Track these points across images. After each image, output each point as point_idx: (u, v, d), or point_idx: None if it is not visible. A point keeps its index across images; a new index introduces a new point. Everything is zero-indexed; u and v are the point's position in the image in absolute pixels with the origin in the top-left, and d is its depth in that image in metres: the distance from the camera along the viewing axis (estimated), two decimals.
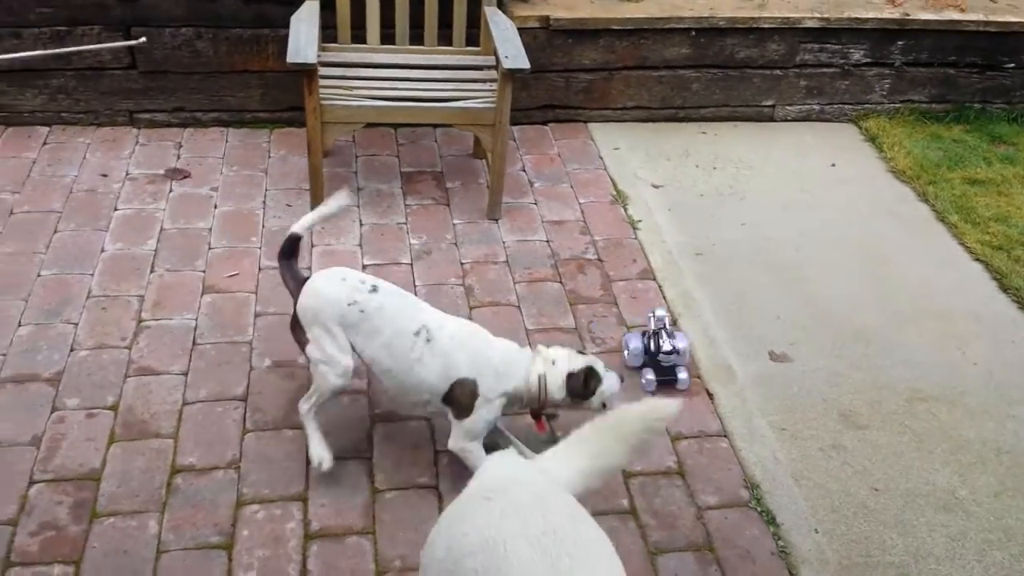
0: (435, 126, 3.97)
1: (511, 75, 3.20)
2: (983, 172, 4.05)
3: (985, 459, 2.65)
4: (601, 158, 3.94)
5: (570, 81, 4.10)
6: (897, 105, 4.45)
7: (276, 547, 2.21)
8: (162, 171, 3.61)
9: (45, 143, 3.70)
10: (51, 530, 2.19)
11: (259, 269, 3.13)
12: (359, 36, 3.61)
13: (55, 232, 3.20)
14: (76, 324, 2.80)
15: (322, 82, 3.26)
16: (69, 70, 3.75)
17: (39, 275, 2.99)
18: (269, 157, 3.77)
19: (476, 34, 3.70)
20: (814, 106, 4.38)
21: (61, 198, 3.38)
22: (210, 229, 3.30)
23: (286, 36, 3.40)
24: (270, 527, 2.25)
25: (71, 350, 2.71)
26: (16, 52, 3.62)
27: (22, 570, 2.10)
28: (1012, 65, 4.42)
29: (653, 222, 3.55)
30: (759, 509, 2.42)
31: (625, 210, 3.61)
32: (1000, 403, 2.86)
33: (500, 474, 1.66)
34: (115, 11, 3.64)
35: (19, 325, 2.78)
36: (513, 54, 3.24)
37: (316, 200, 3.36)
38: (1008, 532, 2.43)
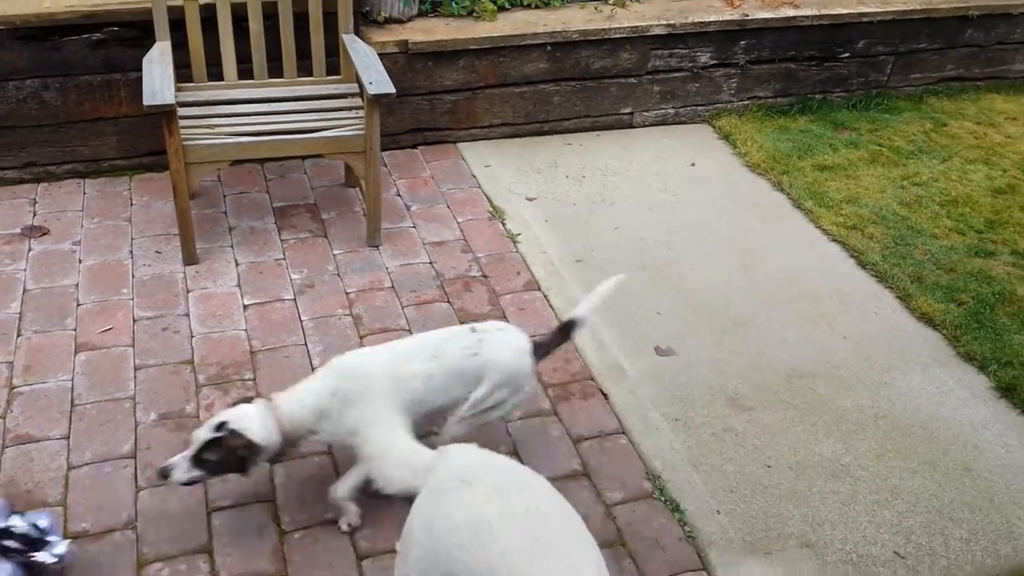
0: (303, 158, 3.93)
1: (377, 100, 3.21)
2: (830, 158, 4.32)
3: (864, 425, 2.82)
4: (474, 176, 3.99)
5: (435, 103, 4.13)
6: (746, 102, 4.69)
7: None
8: (18, 229, 3.44)
9: None
10: None
11: (134, 320, 3.02)
12: (215, 73, 3.54)
13: None
14: None
15: (182, 123, 3.18)
16: None
17: None
18: (132, 205, 3.64)
19: (336, 62, 3.69)
20: (669, 110, 4.57)
21: None
22: (77, 285, 3.17)
23: (138, 79, 3.32)
24: None
25: None
26: None
27: None
28: (846, 55, 4.73)
29: (532, 234, 3.62)
30: (663, 499, 2.50)
31: (503, 225, 3.66)
32: (871, 372, 3.05)
33: (471, 460, 1.70)
34: None
35: None
36: (377, 79, 3.25)
37: (187, 241, 3.27)
38: (894, 491, 2.59)
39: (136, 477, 2.45)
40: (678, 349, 3.09)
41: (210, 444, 2.16)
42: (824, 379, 3.00)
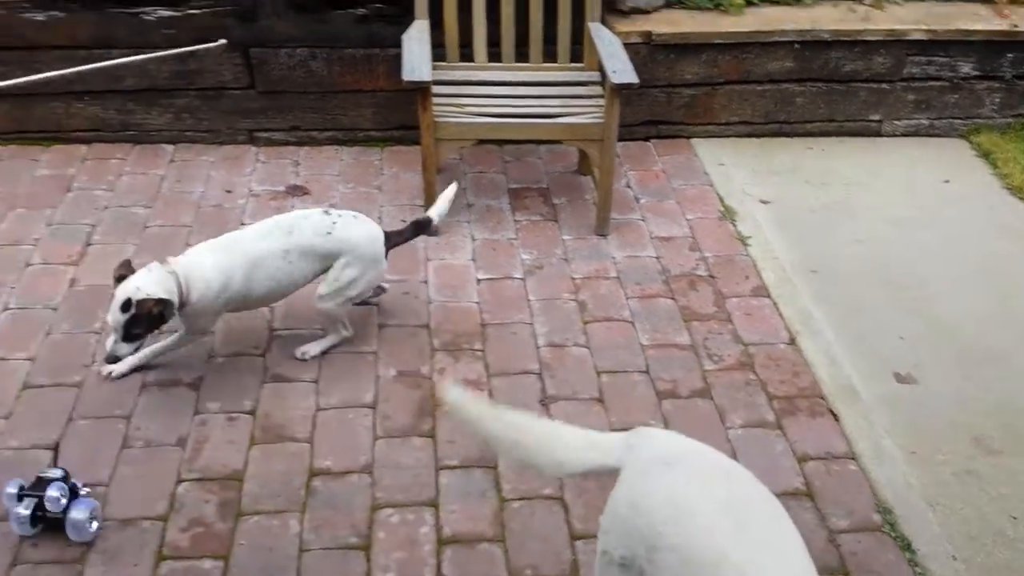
0: (540, 142, 4.04)
1: (619, 90, 3.25)
2: None
3: None
4: (706, 173, 3.96)
5: (672, 96, 4.13)
6: (1009, 120, 4.36)
7: (412, 550, 2.28)
8: (282, 187, 3.75)
9: (172, 160, 3.88)
10: (200, 526, 2.30)
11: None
12: (466, 54, 3.71)
13: (186, 245, 3.34)
14: (213, 332, 2.92)
15: (435, 100, 3.35)
16: (192, 90, 3.92)
17: None
18: (382, 174, 3.88)
19: (580, 50, 3.77)
20: (923, 121, 4.33)
21: (190, 213, 3.54)
22: None
23: (396, 56, 3.52)
24: (404, 531, 2.33)
25: (209, 357, 2.84)
26: (144, 74, 3.82)
27: (174, 563, 2.21)
28: None
29: (764, 238, 3.55)
30: (893, 534, 2.39)
31: (734, 226, 3.62)
32: None
33: (672, 444, 1.75)
34: (235, 32, 3.80)
35: (159, 332, 2.92)
36: (620, 68, 3.29)
37: None
38: None
39: (375, 426, 2.63)
40: (920, 378, 2.93)
41: (132, 320, 2.45)
42: None
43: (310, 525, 2.32)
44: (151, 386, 2.71)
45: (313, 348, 2.86)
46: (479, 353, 2.92)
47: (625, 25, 3.98)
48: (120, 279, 2.50)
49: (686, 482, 1.60)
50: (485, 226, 3.57)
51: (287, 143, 4.05)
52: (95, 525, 2.25)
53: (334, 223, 2.73)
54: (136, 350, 2.59)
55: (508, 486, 2.47)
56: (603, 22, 3.74)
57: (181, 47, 3.77)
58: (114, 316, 2.46)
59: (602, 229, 3.55)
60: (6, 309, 2.99)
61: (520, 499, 2.44)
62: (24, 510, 2.20)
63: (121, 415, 2.61)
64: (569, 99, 3.58)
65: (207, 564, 2.21)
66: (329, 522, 2.34)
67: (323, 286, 2.75)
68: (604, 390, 2.81)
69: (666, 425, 2.68)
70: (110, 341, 2.52)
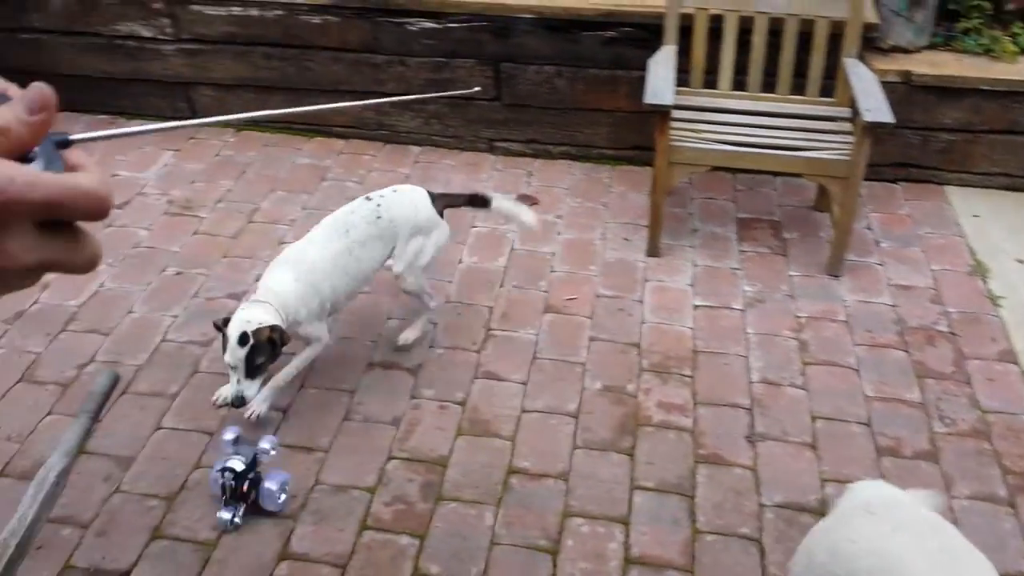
0: (776, 174, 3.93)
1: (871, 128, 3.10)
2: None
3: None
4: (958, 224, 3.69)
5: (928, 140, 3.89)
6: None
7: (598, 563, 2.28)
8: (514, 196, 3.86)
9: (416, 161, 4.12)
10: (402, 503, 2.42)
11: (595, 296, 3.26)
12: (710, 81, 3.67)
13: None
14: (435, 325, 3.07)
15: (673, 124, 3.35)
16: (444, 99, 4.15)
17: None
18: (610, 192, 3.92)
19: (831, 85, 3.63)
20: None
21: None
22: (553, 253, 3.49)
23: (639, 78, 3.55)
24: (593, 543, 2.33)
25: (430, 346, 2.98)
26: (402, 79, 4.09)
27: (375, 534, 2.33)
28: None
29: (1018, 300, 3.25)
30: None
31: (985, 283, 3.35)
32: None
33: (877, 494, 1.68)
34: (488, 47, 3.98)
35: (388, 318, 3.11)
36: (875, 107, 3.14)
37: (654, 234, 3.46)
38: None
39: (575, 435, 2.65)
40: None
41: (253, 350, 2.39)
42: None
43: (503, 520, 2.38)
44: (376, 366, 2.89)
45: (411, 334, 2.95)
46: (688, 379, 2.88)
47: (883, 63, 3.80)
48: (223, 324, 2.47)
49: (892, 531, 1.51)
50: (708, 253, 3.52)
51: (523, 154, 4.19)
52: (284, 497, 2.36)
53: (379, 206, 2.77)
54: (260, 387, 2.50)
55: (703, 518, 2.42)
56: (860, 59, 3.60)
57: (438, 58, 4.03)
58: (234, 354, 2.39)
59: (835, 269, 3.40)
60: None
61: (714, 533, 2.38)
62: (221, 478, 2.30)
63: (346, 389, 2.79)
64: (814, 133, 3.46)
65: (404, 540, 2.32)
66: (521, 520, 2.38)
67: (397, 267, 2.81)
68: (818, 436, 2.68)
69: None
70: (232, 384, 2.44)
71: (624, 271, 3.40)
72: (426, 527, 2.35)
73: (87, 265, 0.50)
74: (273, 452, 2.36)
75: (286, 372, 2.67)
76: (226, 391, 2.62)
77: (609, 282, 3.34)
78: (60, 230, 0.47)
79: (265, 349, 2.42)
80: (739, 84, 3.67)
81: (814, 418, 2.75)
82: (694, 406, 2.78)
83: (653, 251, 3.50)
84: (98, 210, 0.47)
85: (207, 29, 4.12)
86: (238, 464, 2.31)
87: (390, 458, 2.56)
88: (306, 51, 4.10)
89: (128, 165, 3.98)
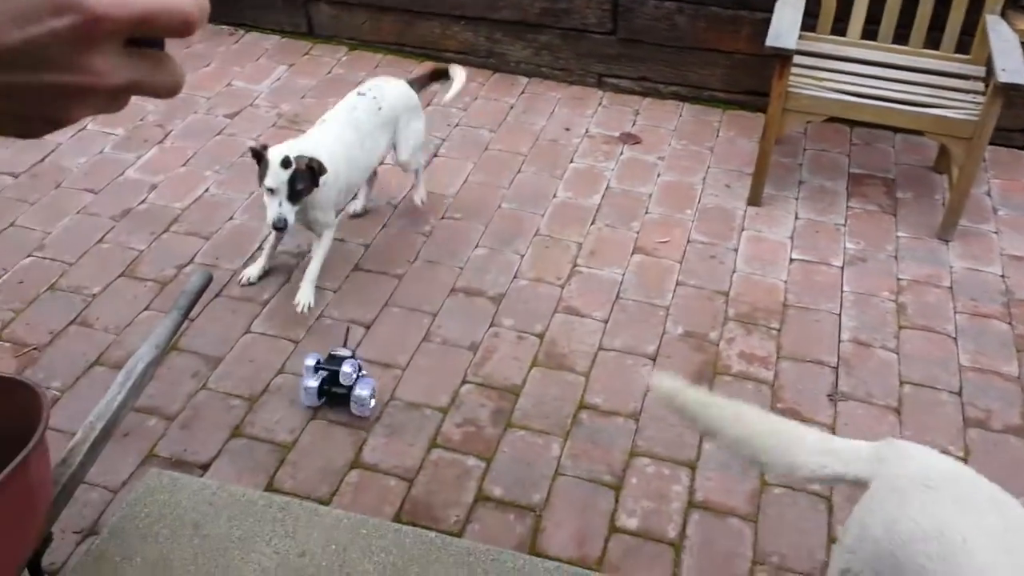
0: (897, 130, 3.74)
1: (1004, 89, 2.90)
2: None
3: None
4: None
5: None
6: None
7: (660, 503, 2.28)
8: (617, 134, 3.81)
9: (523, 92, 4.09)
10: (472, 426, 2.47)
11: (688, 241, 3.20)
12: (840, 28, 3.50)
13: (518, 172, 3.54)
14: (522, 256, 3.08)
15: (793, 70, 3.21)
16: (557, 28, 4.08)
17: (499, 207, 3.33)
18: (717, 136, 3.81)
19: (967, 41, 3.40)
20: None
21: (528, 143, 3.72)
22: (650, 195, 3.44)
23: (763, 20, 3.40)
24: (657, 484, 2.33)
25: (514, 277, 3.00)
26: (517, 6, 4.04)
27: (443, 452, 2.39)
28: None
29: None
30: None
31: None
32: None
33: (933, 464, 1.56)
34: None
35: (476, 246, 3.13)
36: (1012, 67, 2.94)
37: (758, 183, 3.36)
38: None
39: (650, 378, 2.64)
40: None
41: (293, 178, 2.55)
42: None
43: (569, 452, 2.40)
44: (459, 292, 2.93)
45: (423, 192, 3.24)
46: (774, 331, 2.82)
47: None
48: (260, 150, 2.61)
49: (956, 512, 1.42)
50: (813, 206, 3.39)
51: (632, 91, 4.10)
52: (373, 402, 2.48)
53: (375, 98, 2.97)
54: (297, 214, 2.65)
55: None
56: (1003, 16, 3.35)
57: None
58: (276, 177, 2.54)
59: (946, 233, 3.24)
60: (354, 198, 3.35)
61: (783, 487, 2.34)
62: (314, 383, 2.44)
63: (428, 311, 2.84)
64: (943, 90, 3.26)
65: (471, 462, 2.37)
66: (587, 454, 2.40)
67: (402, 155, 3.08)
68: (904, 401, 2.59)
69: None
70: (274, 207, 2.57)
71: (721, 218, 3.32)
72: (493, 451, 2.39)
73: (172, 89, 0.50)
74: (364, 372, 2.52)
75: (314, 266, 2.82)
76: (252, 269, 2.92)
77: (704, 228, 3.26)
78: (146, 52, 0.47)
79: (305, 176, 2.58)
80: (869, 34, 3.48)
81: (902, 383, 2.65)
82: (777, 359, 2.72)
83: (755, 200, 3.40)
84: (183, 27, 0.47)
85: None
86: (345, 380, 2.45)
87: (464, 382, 2.60)
88: None
89: (243, 76, 4.09)
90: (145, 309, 2.80)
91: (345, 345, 2.60)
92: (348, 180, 2.88)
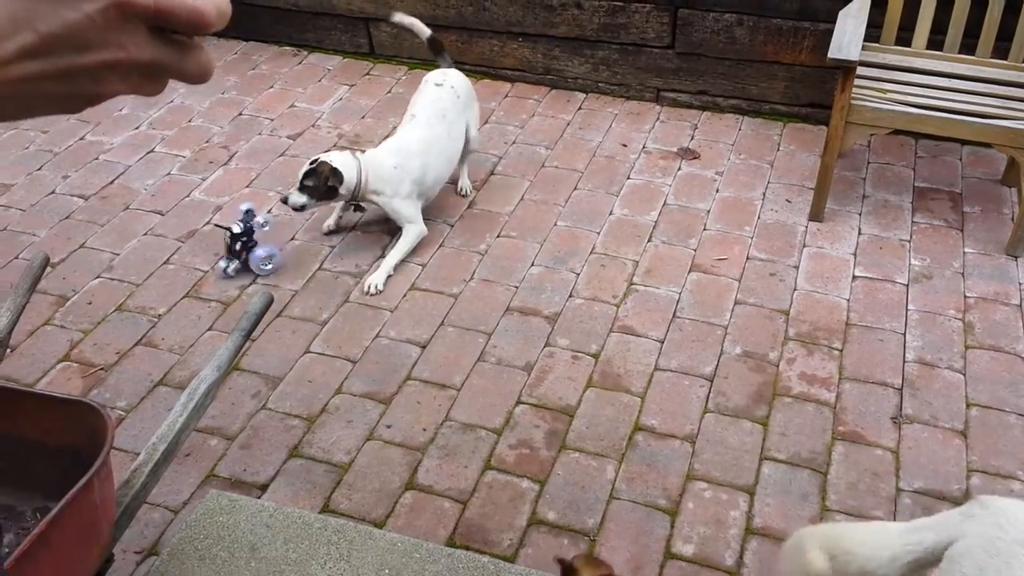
0: (964, 142, 3.64)
1: None
2: None
3: None
4: None
5: None
6: None
7: (717, 530, 2.25)
8: (675, 149, 3.78)
9: (580, 108, 4.08)
10: (526, 448, 2.47)
11: (747, 258, 3.15)
12: (904, 38, 3.42)
13: (574, 189, 3.54)
14: (577, 274, 3.08)
15: (856, 82, 3.15)
16: (615, 43, 4.07)
17: (555, 225, 3.33)
18: (778, 150, 3.76)
19: None
20: None
21: (584, 160, 3.71)
22: (708, 211, 3.40)
23: (825, 31, 3.35)
24: (714, 509, 2.30)
25: (569, 296, 2.99)
26: (576, 22, 4.04)
27: (497, 474, 2.40)
28: None
29: None
30: None
31: None
32: None
33: None
34: None
35: (532, 264, 3.14)
36: None
37: (820, 198, 3.29)
38: None
39: (708, 399, 2.61)
40: None
41: (308, 173, 2.98)
42: None
43: (624, 475, 2.38)
44: (515, 311, 2.93)
45: (468, 181, 3.49)
46: (836, 352, 2.76)
47: None
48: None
49: None
50: (877, 222, 3.32)
51: (691, 106, 4.07)
52: (270, 265, 3.06)
53: (453, 87, 3.28)
54: (307, 204, 3.02)
55: (835, 496, 2.33)
56: None
57: (615, 1, 3.95)
58: (300, 171, 3.03)
59: (1015, 249, 3.13)
60: None
61: (845, 513, 2.29)
62: (224, 263, 3.06)
63: (484, 331, 2.85)
64: (1011, 101, 3.16)
65: (524, 484, 2.37)
66: (642, 477, 2.38)
67: (472, 135, 3.39)
68: (971, 424, 2.51)
69: None
70: (293, 190, 3.03)
71: (782, 234, 3.26)
72: (547, 473, 2.39)
73: (199, 75, 0.56)
74: (266, 227, 3.07)
75: (393, 255, 3.10)
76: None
77: (764, 244, 3.22)
78: (171, 37, 0.53)
79: (318, 178, 2.98)
80: (935, 43, 3.40)
81: (969, 404, 2.57)
82: (839, 380, 2.66)
83: (816, 215, 3.34)
84: (195, 24, 0.53)
85: None
86: (236, 227, 3.01)
87: (519, 402, 2.60)
88: None
89: (305, 97, 4.17)
90: (208, 329, 2.87)
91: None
92: (437, 172, 3.19)
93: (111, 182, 3.59)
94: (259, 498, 2.26)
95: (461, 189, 3.46)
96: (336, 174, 2.99)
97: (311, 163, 3.02)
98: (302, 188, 3.00)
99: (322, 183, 2.98)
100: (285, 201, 3.05)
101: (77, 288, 3.05)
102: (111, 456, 1.66)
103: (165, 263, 3.16)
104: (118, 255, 3.20)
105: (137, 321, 2.91)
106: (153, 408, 2.57)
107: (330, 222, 3.31)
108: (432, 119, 3.19)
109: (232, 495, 2.07)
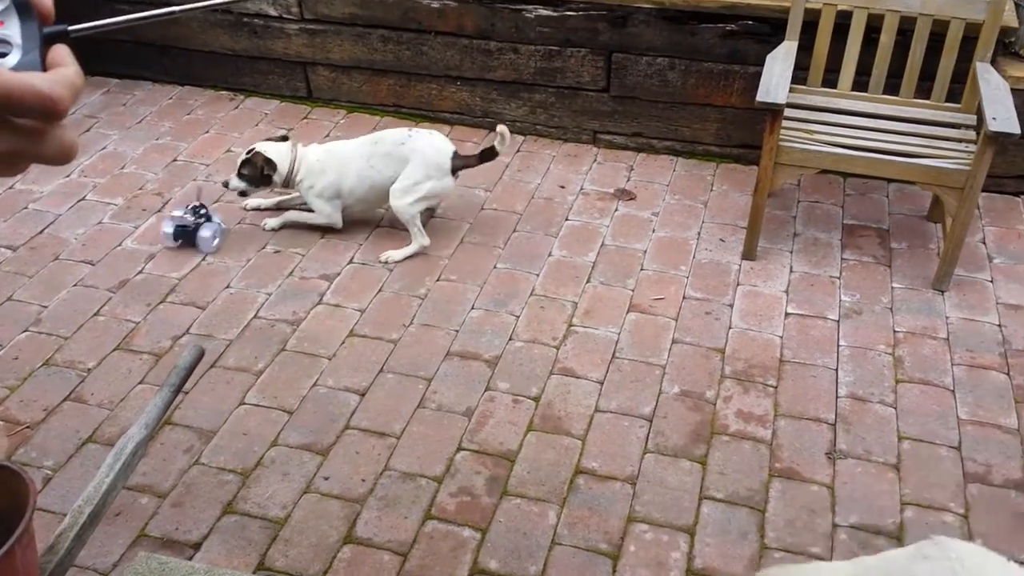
0: (890, 181, 3.75)
1: (995, 138, 2.92)
2: None
3: None
4: None
5: None
6: None
7: (658, 572, 2.25)
8: (612, 190, 3.83)
9: (518, 150, 4.12)
10: (467, 496, 2.45)
11: (683, 298, 3.19)
12: (831, 80, 3.52)
13: (513, 231, 3.56)
14: (517, 317, 3.09)
15: (784, 123, 3.23)
16: (552, 87, 4.12)
17: (495, 267, 3.34)
18: (711, 190, 3.83)
19: (958, 90, 3.42)
20: None
21: (523, 202, 3.74)
22: (645, 251, 3.44)
23: (755, 74, 3.43)
24: (655, 551, 2.30)
25: (510, 339, 2.99)
26: (512, 66, 4.09)
27: (438, 524, 2.37)
28: None
29: None
30: None
31: None
32: None
33: (993, 568, 1.44)
34: (603, 36, 3.93)
35: (472, 308, 3.14)
36: (1002, 116, 2.95)
37: (752, 236, 3.36)
38: None
39: (647, 439, 2.62)
40: None
41: (244, 163, 3.30)
42: None
43: (566, 520, 2.38)
44: (455, 356, 2.92)
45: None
46: (771, 389, 2.80)
47: (1017, 70, 3.55)
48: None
49: None
50: (808, 259, 3.39)
51: (626, 147, 4.13)
52: (216, 242, 3.37)
53: (410, 135, 3.36)
54: (246, 191, 3.41)
55: (773, 534, 2.35)
56: (993, 63, 3.38)
57: (552, 46, 4.00)
58: (238, 159, 3.35)
59: (941, 284, 3.23)
60: (350, 263, 3.37)
61: (783, 551, 2.31)
62: (169, 228, 3.35)
63: (424, 376, 2.84)
64: (934, 140, 3.28)
65: (466, 532, 2.35)
66: (584, 522, 2.37)
67: (396, 184, 3.33)
68: (903, 457, 2.57)
69: (966, 513, 2.39)
70: (232, 175, 3.37)
71: (716, 273, 3.32)
72: (488, 521, 2.37)
73: (58, 157, 0.54)
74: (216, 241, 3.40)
75: (291, 214, 3.54)
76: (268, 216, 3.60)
77: (699, 284, 3.26)
78: (21, 124, 0.51)
79: (252, 168, 3.30)
80: (860, 85, 3.51)
81: (901, 438, 2.63)
82: (775, 417, 2.70)
83: (749, 254, 3.40)
84: (46, 112, 0.50)
85: (330, 10, 4.22)
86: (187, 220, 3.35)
87: (459, 449, 2.59)
88: (422, 35, 4.14)
89: (242, 142, 4.13)
90: (140, 383, 2.81)
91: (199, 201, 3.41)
92: (351, 185, 3.38)
93: (40, 232, 3.51)
94: (191, 558, 2.21)
95: (386, 258, 3.38)
96: (269, 163, 3.29)
97: (247, 152, 3.32)
98: (240, 176, 3.32)
99: (257, 172, 3.29)
100: (226, 185, 3.37)
101: (3, 342, 2.96)
102: (36, 519, 1.60)
103: (95, 315, 3.09)
104: (46, 307, 3.12)
105: (65, 376, 2.83)
106: (82, 466, 2.50)
107: (273, 223, 3.54)
108: (367, 142, 3.41)
109: (162, 557, 2.00)
